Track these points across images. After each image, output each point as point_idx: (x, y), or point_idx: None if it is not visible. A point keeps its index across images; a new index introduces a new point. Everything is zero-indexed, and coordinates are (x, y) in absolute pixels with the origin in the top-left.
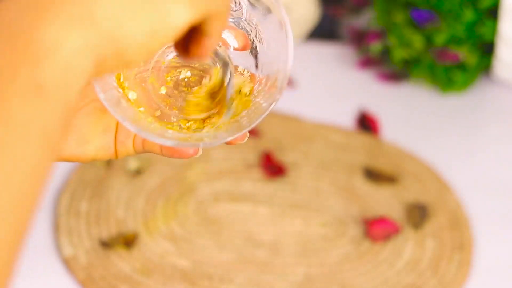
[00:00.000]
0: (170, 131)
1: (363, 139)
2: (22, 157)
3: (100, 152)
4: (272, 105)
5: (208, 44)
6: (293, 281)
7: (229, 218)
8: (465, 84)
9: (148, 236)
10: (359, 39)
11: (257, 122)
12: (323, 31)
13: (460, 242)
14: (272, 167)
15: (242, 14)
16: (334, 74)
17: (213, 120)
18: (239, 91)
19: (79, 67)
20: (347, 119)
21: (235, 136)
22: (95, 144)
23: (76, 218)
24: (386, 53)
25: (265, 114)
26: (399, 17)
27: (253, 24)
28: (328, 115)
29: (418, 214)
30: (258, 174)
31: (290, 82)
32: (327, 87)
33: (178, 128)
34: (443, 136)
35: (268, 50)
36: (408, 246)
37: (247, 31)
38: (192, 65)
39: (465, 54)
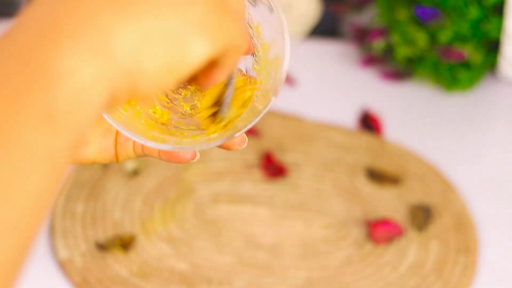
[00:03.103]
0: (165, 136)
1: (366, 139)
2: (26, 183)
3: (100, 154)
4: (267, 108)
5: (218, 77)
6: (294, 285)
7: (229, 220)
8: (470, 83)
9: (146, 238)
10: (361, 36)
11: (251, 125)
12: (325, 29)
13: (465, 245)
14: (273, 168)
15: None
16: (336, 73)
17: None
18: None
19: (91, 98)
20: (349, 119)
21: (229, 138)
22: (95, 146)
23: (72, 220)
24: (389, 51)
25: (259, 117)
26: (403, 14)
27: (254, 26)
28: (330, 114)
29: (422, 215)
30: (258, 175)
31: (291, 81)
32: (328, 85)
33: (175, 131)
34: (447, 136)
35: (268, 53)
36: (411, 248)
37: (249, 34)
38: None
39: (470, 52)
